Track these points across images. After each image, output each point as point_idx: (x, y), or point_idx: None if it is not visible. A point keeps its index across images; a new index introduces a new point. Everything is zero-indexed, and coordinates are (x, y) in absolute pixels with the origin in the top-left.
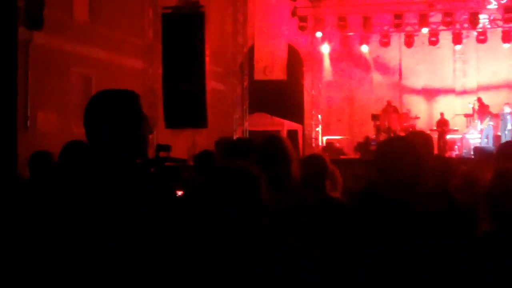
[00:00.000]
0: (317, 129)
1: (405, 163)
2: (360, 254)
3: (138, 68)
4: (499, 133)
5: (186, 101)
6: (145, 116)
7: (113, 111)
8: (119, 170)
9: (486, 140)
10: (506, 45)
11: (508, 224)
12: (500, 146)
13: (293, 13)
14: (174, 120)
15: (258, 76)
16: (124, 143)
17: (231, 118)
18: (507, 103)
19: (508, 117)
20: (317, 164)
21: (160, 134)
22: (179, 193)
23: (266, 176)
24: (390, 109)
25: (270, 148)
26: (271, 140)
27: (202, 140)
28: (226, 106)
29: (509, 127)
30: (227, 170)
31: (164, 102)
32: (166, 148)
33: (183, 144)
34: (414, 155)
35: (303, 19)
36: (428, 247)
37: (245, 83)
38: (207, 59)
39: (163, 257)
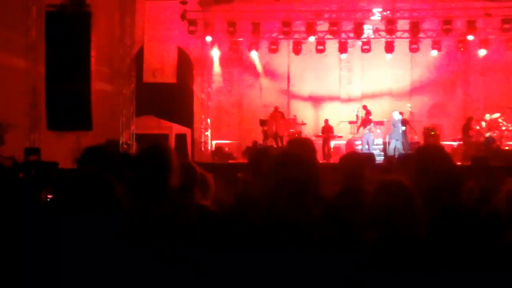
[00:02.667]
0: (206, 133)
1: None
2: (225, 265)
3: (20, 68)
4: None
5: (70, 102)
6: None
7: None
8: None
9: (367, 146)
10: (389, 55)
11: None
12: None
13: (183, 17)
14: (58, 122)
15: (148, 78)
16: None
17: (118, 121)
18: (399, 111)
19: (399, 124)
20: (186, 172)
21: (43, 136)
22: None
23: (144, 184)
24: (278, 114)
25: (149, 157)
26: (151, 149)
27: (87, 142)
28: (113, 108)
29: (400, 132)
30: (81, 176)
31: (47, 103)
32: (35, 151)
33: (68, 147)
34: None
35: (192, 23)
36: (301, 260)
37: (132, 85)
38: (93, 59)
39: (25, 259)
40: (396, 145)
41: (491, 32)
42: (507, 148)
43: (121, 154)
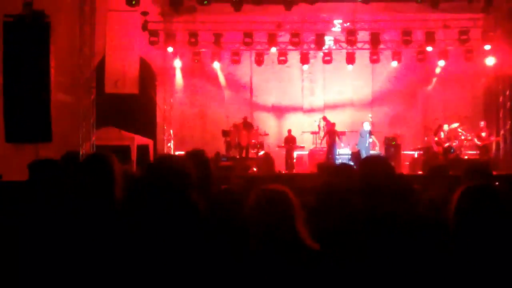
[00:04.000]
0: (169, 144)
1: None
2: None
3: None
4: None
5: (29, 113)
6: None
7: None
8: None
9: (330, 156)
10: (350, 66)
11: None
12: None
13: (144, 27)
14: (16, 134)
15: (109, 89)
16: None
17: (79, 132)
18: (368, 121)
19: (367, 135)
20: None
21: (1, 148)
22: None
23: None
24: (241, 125)
25: (91, 168)
26: (93, 160)
27: (47, 154)
28: (73, 119)
29: (367, 143)
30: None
31: (5, 115)
32: None
33: (27, 159)
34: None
35: (153, 33)
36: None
37: (92, 96)
38: (52, 70)
39: None
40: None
41: (449, 43)
42: (466, 157)
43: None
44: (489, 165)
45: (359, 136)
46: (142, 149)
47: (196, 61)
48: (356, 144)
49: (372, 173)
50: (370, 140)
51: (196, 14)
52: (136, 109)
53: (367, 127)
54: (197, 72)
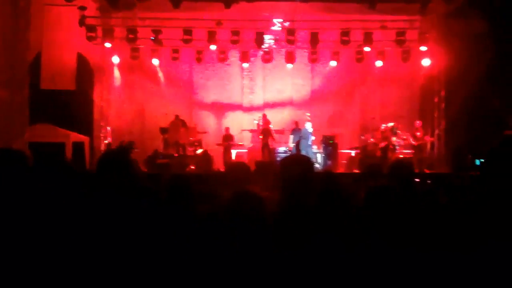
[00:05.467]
0: (105, 141)
1: None
2: None
3: None
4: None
5: None
6: None
7: None
8: None
9: (269, 154)
10: (290, 65)
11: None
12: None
13: (81, 23)
14: None
15: (45, 85)
16: None
17: (12, 129)
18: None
19: (309, 135)
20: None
21: None
22: None
23: None
24: (179, 123)
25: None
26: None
27: None
28: (6, 116)
29: (309, 143)
30: None
31: None
32: None
33: None
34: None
35: (91, 29)
36: None
37: (26, 92)
38: None
39: None
40: (307, 154)
41: (387, 44)
42: (401, 156)
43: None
44: (412, 164)
45: (300, 136)
46: (78, 146)
47: (134, 57)
48: (294, 143)
49: (291, 171)
50: (313, 138)
51: (135, 10)
52: (72, 105)
53: (309, 127)
54: (136, 68)
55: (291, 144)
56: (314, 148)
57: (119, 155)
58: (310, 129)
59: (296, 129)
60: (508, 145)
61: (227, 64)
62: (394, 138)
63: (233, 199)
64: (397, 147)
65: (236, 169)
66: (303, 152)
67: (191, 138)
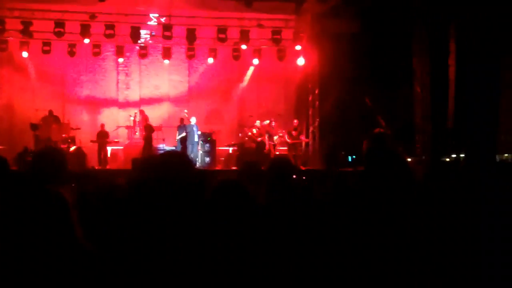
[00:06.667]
0: None
1: None
2: None
3: None
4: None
5: None
6: None
7: None
8: None
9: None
10: (167, 61)
11: None
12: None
13: None
14: None
15: None
16: None
17: None
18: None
19: (195, 128)
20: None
21: None
22: None
23: None
24: (51, 119)
25: None
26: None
27: None
28: None
29: (196, 139)
30: None
31: None
32: None
33: None
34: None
35: None
36: None
37: None
38: None
39: None
40: (193, 151)
41: (263, 42)
42: (277, 153)
43: None
44: (290, 161)
45: (185, 132)
46: None
47: (2, 50)
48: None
49: (168, 167)
50: (199, 133)
51: (3, 1)
52: None
53: (193, 121)
54: (4, 61)
55: (177, 140)
56: (201, 145)
57: None
58: (195, 125)
59: (182, 126)
60: (378, 142)
61: (102, 59)
62: (270, 136)
63: None
64: (273, 145)
65: None
66: (189, 148)
67: (63, 135)
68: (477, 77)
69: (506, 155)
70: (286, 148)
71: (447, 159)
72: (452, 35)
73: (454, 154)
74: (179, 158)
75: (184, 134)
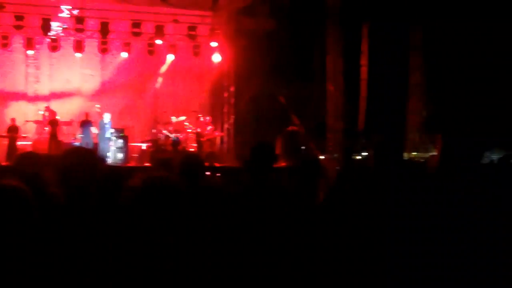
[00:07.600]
0: None
1: None
2: None
3: None
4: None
5: None
6: None
7: None
8: None
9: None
10: (79, 55)
11: None
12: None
13: None
14: None
15: None
16: None
17: None
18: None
19: (107, 125)
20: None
21: None
22: None
23: None
24: None
25: None
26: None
27: None
28: None
29: (108, 135)
30: None
31: None
32: None
33: None
34: None
35: None
36: None
37: None
38: None
39: None
40: (104, 147)
41: (179, 38)
42: (192, 150)
43: None
44: (200, 157)
45: (99, 128)
46: None
47: None
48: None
49: (73, 164)
50: (112, 130)
51: None
52: None
53: (107, 119)
54: None
55: (79, 136)
56: (113, 141)
57: None
58: (108, 121)
59: (86, 121)
60: (291, 139)
61: (10, 51)
62: (183, 132)
63: None
64: (187, 141)
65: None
66: (101, 145)
67: None
68: (386, 77)
69: (414, 153)
70: (198, 145)
71: (358, 157)
72: (364, 35)
73: (365, 152)
74: (84, 154)
75: (87, 130)
